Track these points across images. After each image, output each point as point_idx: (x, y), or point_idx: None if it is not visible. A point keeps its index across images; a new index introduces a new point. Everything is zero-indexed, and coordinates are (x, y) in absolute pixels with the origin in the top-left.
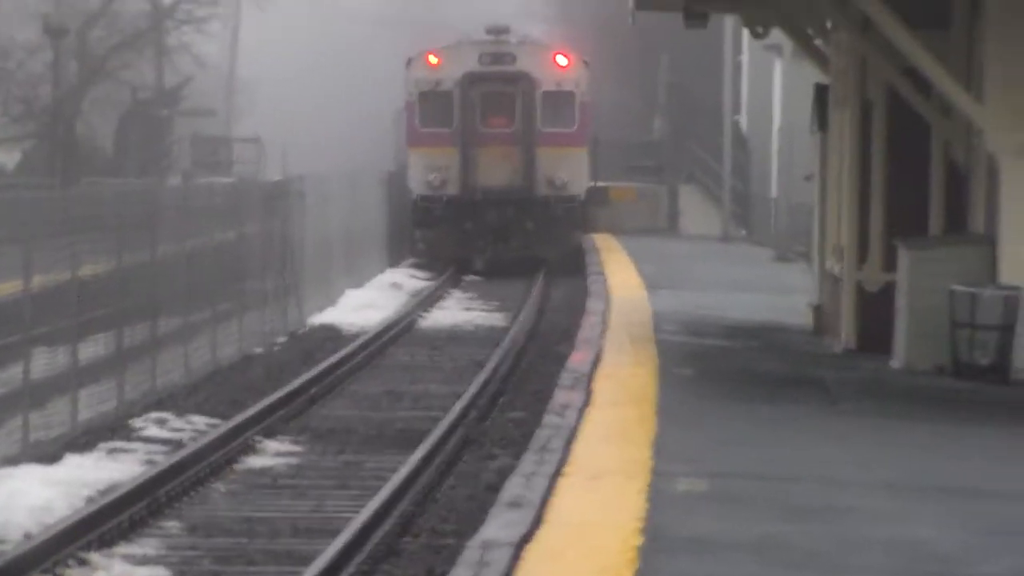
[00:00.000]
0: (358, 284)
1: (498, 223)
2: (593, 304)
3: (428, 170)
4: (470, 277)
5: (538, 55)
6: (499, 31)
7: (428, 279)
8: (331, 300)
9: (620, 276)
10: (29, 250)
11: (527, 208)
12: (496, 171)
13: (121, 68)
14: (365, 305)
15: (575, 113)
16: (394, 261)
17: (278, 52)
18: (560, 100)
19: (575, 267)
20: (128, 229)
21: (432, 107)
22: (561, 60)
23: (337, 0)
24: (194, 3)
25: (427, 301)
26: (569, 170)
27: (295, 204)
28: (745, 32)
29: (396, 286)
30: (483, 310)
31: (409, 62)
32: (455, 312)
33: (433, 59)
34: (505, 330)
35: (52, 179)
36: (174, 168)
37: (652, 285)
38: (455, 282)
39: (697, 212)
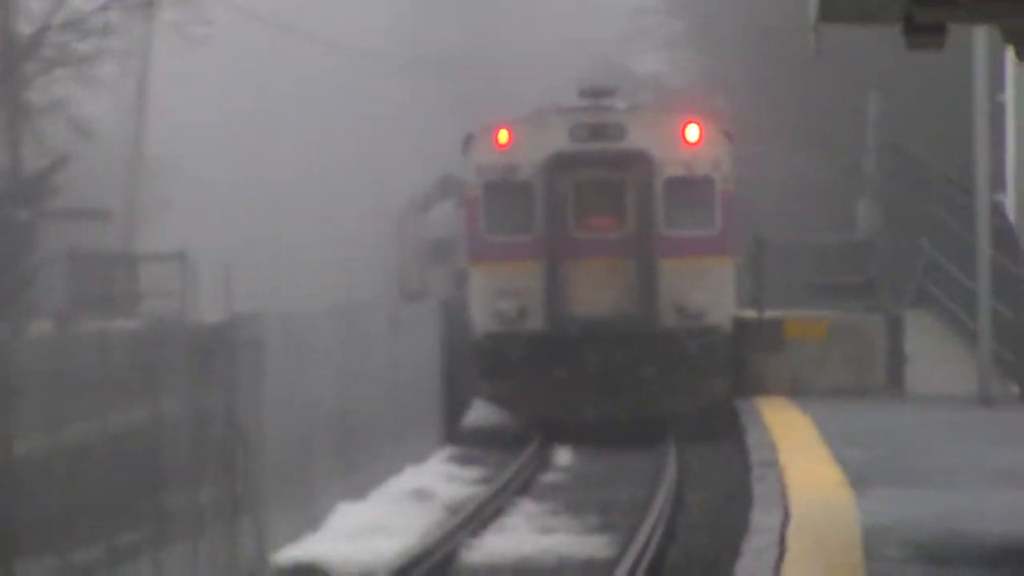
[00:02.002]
0: (359, 493)
1: (603, 370)
2: (760, 515)
3: (499, 295)
4: (550, 476)
5: (658, 125)
6: (599, 93)
7: (480, 480)
8: (313, 521)
9: (805, 466)
10: None
11: (646, 347)
12: (599, 294)
13: None
14: (370, 528)
15: (715, 208)
16: (422, 451)
17: (213, 113)
18: (692, 190)
19: (726, 447)
20: None
21: (504, 204)
22: (692, 132)
23: (312, 26)
24: (74, 32)
25: (477, 519)
26: (707, 291)
27: (248, 362)
28: (1009, 56)
29: (424, 495)
30: (572, 531)
31: (468, 140)
32: (524, 535)
33: (504, 135)
34: (611, 565)
35: None
36: (39, 308)
37: (861, 481)
38: (526, 483)
39: (935, 356)
